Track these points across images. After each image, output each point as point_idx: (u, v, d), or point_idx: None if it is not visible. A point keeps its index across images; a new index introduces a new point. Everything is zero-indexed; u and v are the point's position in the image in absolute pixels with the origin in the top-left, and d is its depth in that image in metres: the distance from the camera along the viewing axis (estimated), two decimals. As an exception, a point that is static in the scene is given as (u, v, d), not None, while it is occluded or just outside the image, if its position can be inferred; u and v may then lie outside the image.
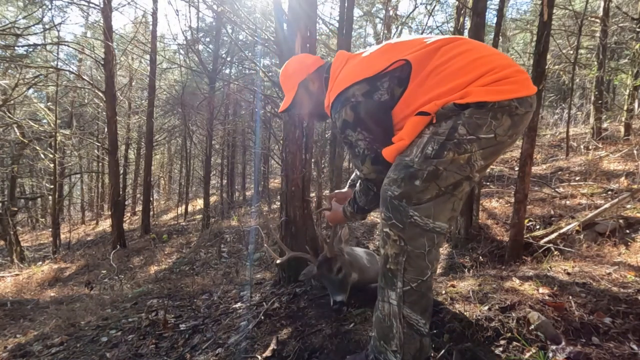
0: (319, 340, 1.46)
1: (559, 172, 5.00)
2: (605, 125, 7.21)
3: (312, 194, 2.87)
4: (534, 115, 2.57)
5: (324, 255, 1.72)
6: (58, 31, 8.75)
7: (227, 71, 11.88)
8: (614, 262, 2.05)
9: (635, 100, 6.75)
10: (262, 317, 1.80)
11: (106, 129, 8.78)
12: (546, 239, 2.79)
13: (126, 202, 12.51)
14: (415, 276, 1.15)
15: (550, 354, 1.19)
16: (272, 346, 1.51)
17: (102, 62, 7.81)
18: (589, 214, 2.93)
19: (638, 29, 6.60)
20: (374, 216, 5.16)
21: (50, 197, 11.18)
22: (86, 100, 12.68)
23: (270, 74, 8.29)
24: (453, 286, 1.76)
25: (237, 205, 11.24)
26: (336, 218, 1.60)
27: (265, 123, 8.62)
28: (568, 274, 1.80)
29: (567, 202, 3.57)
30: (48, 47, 9.26)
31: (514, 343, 1.25)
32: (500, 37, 5.31)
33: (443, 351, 1.26)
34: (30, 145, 8.79)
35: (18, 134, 8.49)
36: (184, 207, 12.09)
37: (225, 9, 6.04)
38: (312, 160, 2.40)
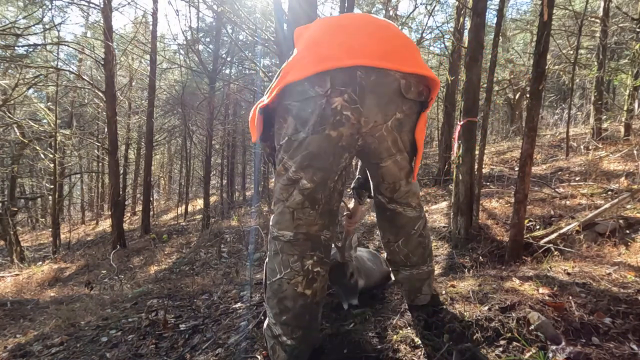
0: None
1: (559, 172, 4.99)
2: (605, 125, 7.20)
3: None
4: (535, 116, 2.56)
5: (336, 261, 1.72)
6: (58, 31, 8.74)
7: (227, 71, 11.89)
8: (614, 262, 2.05)
9: (635, 101, 6.75)
10: (262, 317, 1.80)
11: (106, 129, 8.78)
12: (546, 239, 2.79)
13: (126, 202, 12.51)
14: (268, 274, 1.30)
15: (550, 354, 1.19)
16: (272, 346, 1.51)
17: (102, 62, 7.81)
18: (589, 214, 2.93)
19: (638, 29, 6.60)
20: (374, 216, 5.15)
21: (50, 197, 11.18)
22: (86, 100, 12.68)
23: (270, 74, 8.29)
24: (453, 286, 1.76)
25: (237, 205, 11.24)
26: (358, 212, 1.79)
27: (265, 123, 8.59)
28: (568, 274, 1.80)
29: (567, 202, 3.57)
30: (48, 47, 9.26)
31: (514, 343, 1.25)
32: (501, 37, 5.31)
33: (442, 351, 1.26)
34: (30, 145, 8.79)
35: (18, 134, 8.49)
36: (184, 207, 12.09)
37: (226, 9, 6.04)
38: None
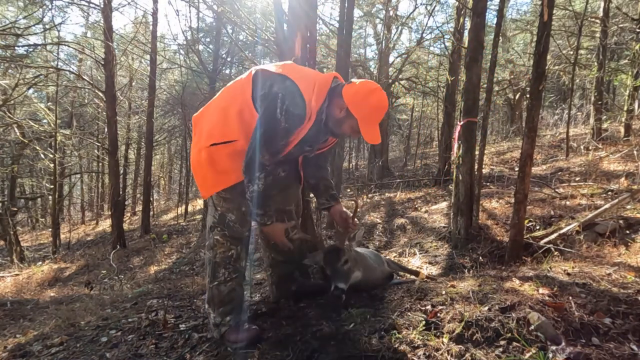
0: (319, 340, 1.46)
1: (559, 173, 4.99)
2: (605, 125, 7.20)
3: (312, 194, 2.88)
4: (535, 116, 2.56)
5: (333, 245, 1.79)
6: (58, 31, 8.75)
7: (228, 71, 11.86)
8: (614, 262, 2.05)
9: (635, 101, 6.75)
10: (262, 317, 1.80)
11: (106, 129, 8.78)
12: (546, 240, 2.79)
13: (126, 202, 12.50)
14: None
15: (550, 355, 1.19)
16: (272, 346, 1.51)
17: (102, 62, 7.80)
18: (589, 214, 2.93)
19: (638, 30, 6.60)
20: (374, 216, 5.16)
21: (50, 197, 11.18)
22: (86, 100, 12.68)
23: (270, 74, 8.27)
24: (453, 286, 1.76)
25: (237, 206, 11.20)
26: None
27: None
28: (568, 274, 1.81)
29: (567, 202, 3.57)
30: (48, 47, 9.26)
31: (514, 343, 1.25)
32: (501, 38, 5.30)
33: (442, 351, 1.26)
34: (30, 145, 8.79)
35: (18, 134, 8.49)
36: (184, 207, 12.08)
37: (226, 9, 6.04)
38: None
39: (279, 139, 1.51)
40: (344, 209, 1.85)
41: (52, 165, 9.32)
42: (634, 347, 1.20)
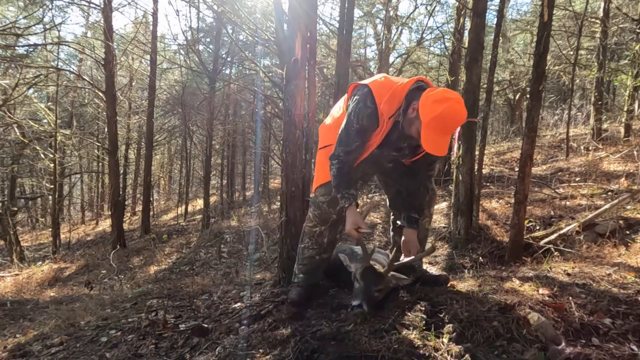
0: (319, 340, 1.46)
1: (559, 173, 4.99)
2: (605, 126, 7.20)
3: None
4: (535, 116, 2.56)
5: (377, 271, 1.72)
6: (58, 31, 8.72)
7: (228, 71, 11.88)
8: (614, 263, 2.05)
9: (635, 101, 6.74)
10: (262, 318, 1.80)
11: (106, 129, 8.78)
12: (546, 240, 2.79)
13: (126, 202, 12.50)
14: None
15: (551, 355, 1.18)
16: (272, 347, 1.51)
17: (103, 62, 7.80)
18: (589, 214, 2.93)
19: (638, 30, 6.60)
20: (374, 217, 5.15)
21: (50, 197, 11.19)
22: (86, 100, 12.67)
23: (270, 74, 8.28)
24: (453, 286, 1.76)
25: (237, 206, 11.23)
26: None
27: (265, 123, 8.62)
28: (568, 274, 1.81)
29: (567, 202, 3.57)
30: (48, 47, 9.24)
31: (514, 344, 1.25)
32: (501, 38, 5.28)
33: (442, 351, 1.26)
34: (30, 145, 8.79)
35: (18, 134, 8.49)
36: (184, 207, 12.07)
37: (226, 9, 6.04)
38: (312, 160, 2.41)
39: (352, 138, 1.70)
40: (414, 239, 1.81)
41: (52, 165, 9.31)
42: (634, 347, 1.20)
